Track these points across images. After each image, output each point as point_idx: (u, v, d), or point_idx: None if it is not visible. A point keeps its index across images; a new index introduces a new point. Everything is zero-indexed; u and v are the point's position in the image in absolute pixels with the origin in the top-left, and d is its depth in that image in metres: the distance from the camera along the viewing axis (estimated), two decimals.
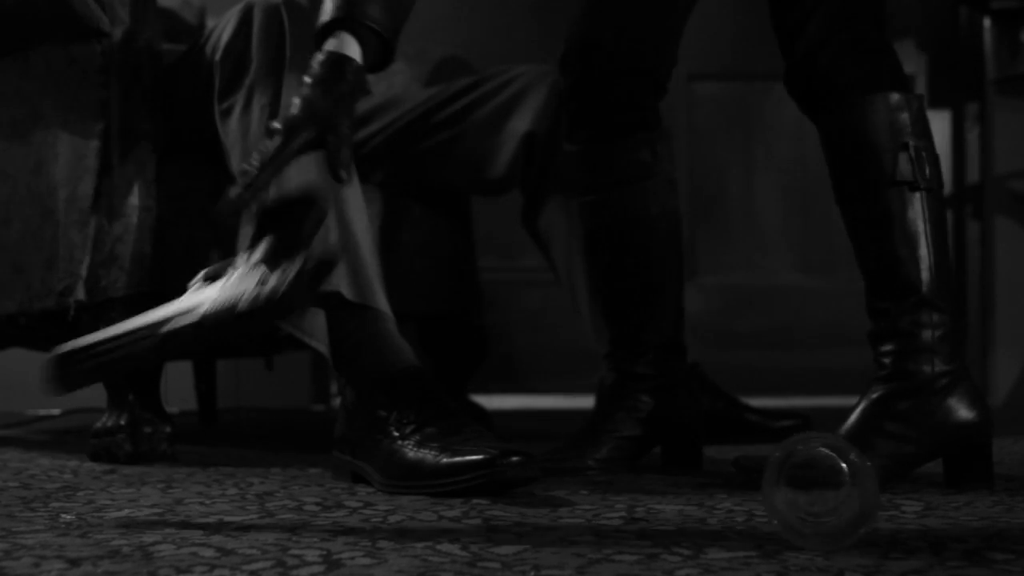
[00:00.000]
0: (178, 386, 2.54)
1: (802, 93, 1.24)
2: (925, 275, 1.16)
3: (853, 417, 1.16)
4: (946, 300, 1.17)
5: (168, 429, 1.43)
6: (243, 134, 1.30)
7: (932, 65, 3.14)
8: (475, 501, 1.03)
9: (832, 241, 3.16)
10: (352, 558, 0.76)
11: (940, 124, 3.15)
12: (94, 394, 1.64)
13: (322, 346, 1.24)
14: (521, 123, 1.72)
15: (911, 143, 1.18)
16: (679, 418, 1.35)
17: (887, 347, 1.17)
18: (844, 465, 0.79)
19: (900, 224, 1.18)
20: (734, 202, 3.22)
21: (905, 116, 1.19)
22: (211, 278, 1.00)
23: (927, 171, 1.18)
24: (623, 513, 0.96)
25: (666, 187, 1.37)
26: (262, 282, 0.96)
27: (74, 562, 0.75)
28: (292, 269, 0.96)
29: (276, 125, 1.07)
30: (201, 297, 0.98)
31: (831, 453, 0.80)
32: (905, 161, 1.17)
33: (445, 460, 1.07)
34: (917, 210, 1.18)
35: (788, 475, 0.80)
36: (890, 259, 1.18)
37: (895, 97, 1.19)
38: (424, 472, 1.08)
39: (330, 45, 1.12)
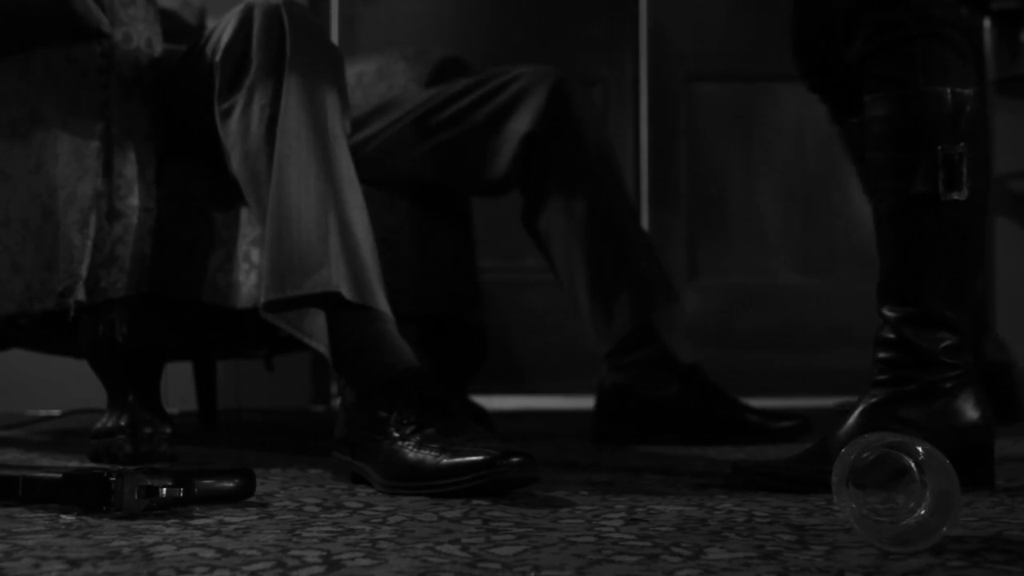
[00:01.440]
0: (178, 387, 2.54)
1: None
2: (930, 289, 1.11)
3: (852, 421, 1.14)
4: (958, 312, 1.12)
5: (168, 430, 1.43)
6: (243, 135, 1.30)
7: None
8: (475, 502, 1.03)
9: (832, 241, 3.16)
10: (352, 559, 0.76)
11: None
12: (94, 395, 1.65)
13: (322, 347, 1.24)
14: (521, 124, 1.72)
15: (941, 148, 1.08)
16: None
17: (885, 354, 1.15)
18: (912, 463, 0.79)
19: (911, 235, 1.11)
20: (734, 202, 3.22)
21: (940, 115, 1.09)
22: None
23: (958, 178, 1.08)
24: (623, 514, 0.96)
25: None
26: None
27: (74, 563, 0.75)
28: None
29: None
30: None
31: (898, 451, 0.80)
32: (926, 171, 1.09)
33: (445, 461, 1.07)
34: (934, 222, 1.10)
35: (856, 478, 0.80)
36: (899, 267, 1.13)
37: (933, 92, 1.09)
38: (424, 473, 1.08)
39: None
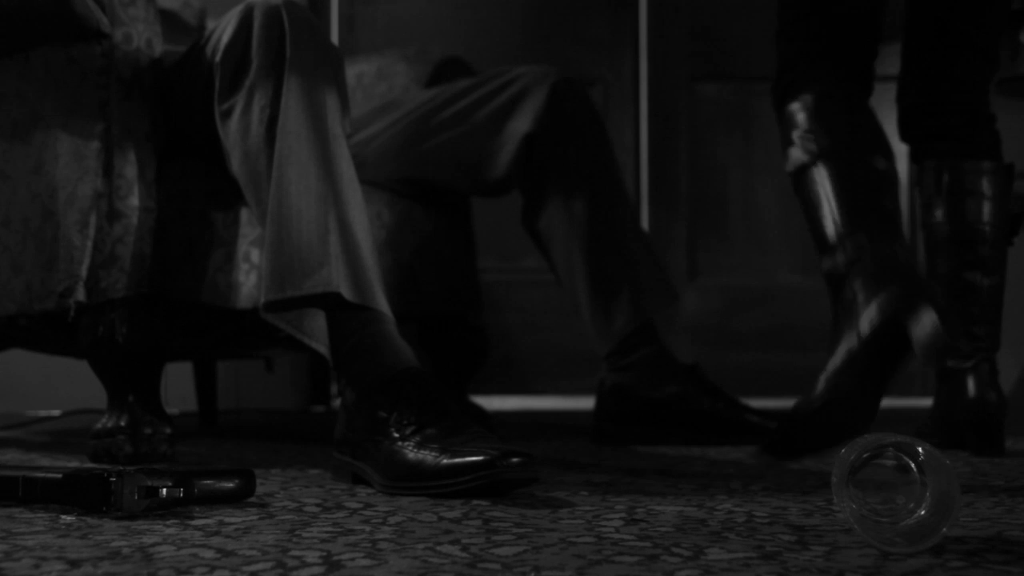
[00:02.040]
0: (178, 387, 2.54)
1: None
2: (831, 230, 1.33)
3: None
4: (850, 246, 1.29)
5: (168, 430, 1.43)
6: (243, 135, 1.30)
7: None
8: (475, 502, 1.03)
9: None
10: (352, 559, 0.76)
11: None
12: (94, 395, 1.65)
13: (322, 347, 1.24)
14: (521, 124, 1.72)
15: (795, 136, 1.40)
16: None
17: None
18: (912, 464, 0.79)
19: (809, 202, 1.38)
20: (734, 202, 3.22)
21: (794, 115, 1.42)
22: None
23: (815, 148, 1.38)
24: (623, 514, 0.96)
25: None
26: None
27: (74, 563, 0.75)
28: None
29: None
30: None
31: (898, 452, 0.80)
32: (794, 153, 1.40)
33: (445, 461, 1.07)
34: (815, 183, 1.37)
35: (857, 479, 0.80)
36: (811, 227, 1.38)
37: (789, 103, 1.43)
38: (424, 473, 1.08)
39: None
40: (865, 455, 0.81)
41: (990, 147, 1.55)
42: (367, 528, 0.89)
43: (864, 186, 1.38)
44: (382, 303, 1.25)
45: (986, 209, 1.51)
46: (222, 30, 1.37)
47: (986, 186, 1.51)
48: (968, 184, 1.51)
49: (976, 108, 1.57)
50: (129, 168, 1.41)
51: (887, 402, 1.21)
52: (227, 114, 1.33)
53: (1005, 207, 1.52)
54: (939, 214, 1.52)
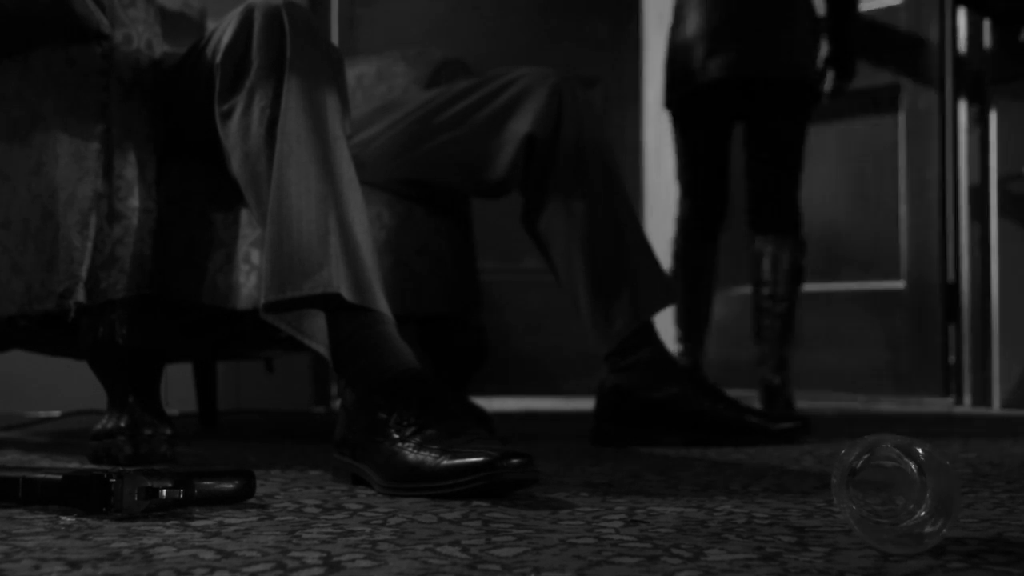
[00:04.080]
0: (178, 388, 2.55)
1: None
2: None
3: None
4: None
5: (168, 431, 1.43)
6: (243, 136, 1.30)
7: (932, 67, 3.14)
8: (475, 503, 1.03)
9: (832, 242, 3.16)
10: (352, 560, 0.76)
11: (940, 126, 3.15)
12: (94, 396, 1.65)
13: (322, 348, 1.24)
14: (521, 125, 1.72)
15: None
16: None
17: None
18: (912, 464, 0.79)
19: None
20: (733, 203, 3.22)
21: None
22: None
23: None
24: (623, 515, 0.96)
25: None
26: None
27: (74, 564, 0.75)
28: None
29: None
30: None
31: (898, 452, 0.80)
32: None
33: (445, 462, 1.07)
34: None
35: (857, 479, 0.80)
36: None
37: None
38: (424, 474, 1.08)
39: None
40: (865, 456, 0.81)
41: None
42: (367, 529, 0.89)
43: None
44: (382, 304, 1.25)
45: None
46: (222, 31, 1.37)
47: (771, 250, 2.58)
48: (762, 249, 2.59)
49: (778, 203, 2.59)
50: (129, 169, 1.41)
51: (886, 403, 1.21)
52: (227, 115, 1.33)
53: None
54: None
